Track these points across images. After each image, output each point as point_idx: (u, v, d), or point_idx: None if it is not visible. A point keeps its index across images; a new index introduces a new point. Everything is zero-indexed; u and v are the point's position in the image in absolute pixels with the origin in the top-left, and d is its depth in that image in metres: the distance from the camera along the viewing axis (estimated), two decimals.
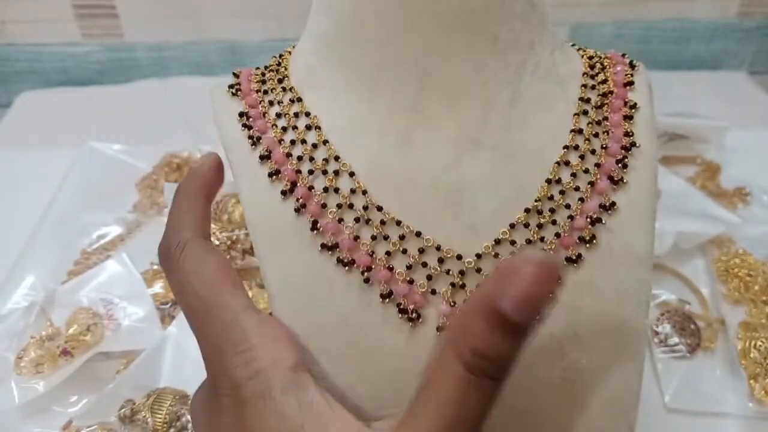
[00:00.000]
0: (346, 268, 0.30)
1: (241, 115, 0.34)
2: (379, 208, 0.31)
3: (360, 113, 0.32)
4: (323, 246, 0.30)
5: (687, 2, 0.93)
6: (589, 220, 0.31)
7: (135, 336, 0.52)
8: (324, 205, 0.31)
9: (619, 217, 0.31)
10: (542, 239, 0.30)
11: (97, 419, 0.46)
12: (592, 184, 0.31)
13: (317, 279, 0.30)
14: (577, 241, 0.30)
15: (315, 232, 0.31)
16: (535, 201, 0.31)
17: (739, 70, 0.96)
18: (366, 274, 0.30)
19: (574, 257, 0.30)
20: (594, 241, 0.30)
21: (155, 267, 0.59)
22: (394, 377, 0.29)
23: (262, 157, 0.32)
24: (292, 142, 0.33)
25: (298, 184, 0.32)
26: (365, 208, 0.31)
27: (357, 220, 0.31)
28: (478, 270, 0.30)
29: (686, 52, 0.95)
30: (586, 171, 0.32)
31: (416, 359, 0.28)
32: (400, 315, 0.30)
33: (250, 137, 0.33)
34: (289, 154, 0.32)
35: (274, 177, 0.32)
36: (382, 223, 0.31)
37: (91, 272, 0.58)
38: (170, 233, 0.30)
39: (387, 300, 0.30)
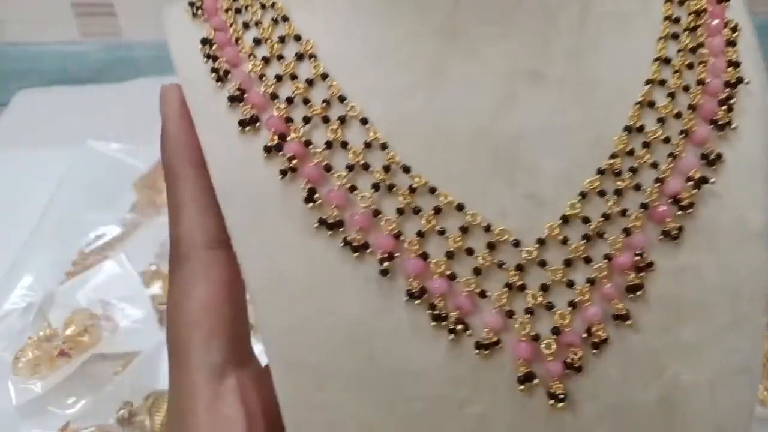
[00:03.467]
0: (357, 254, 0.21)
1: (204, 42, 0.24)
2: (406, 169, 0.22)
3: (372, 37, 0.23)
4: (322, 223, 0.21)
5: None
6: (689, 182, 0.22)
7: (133, 337, 0.52)
8: (328, 167, 0.22)
9: (726, 178, 0.23)
10: (624, 213, 0.22)
11: (95, 421, 0.45)
12: (686, 133, 0.23)
13: (317, 272, 0.22)
14: (673, 211, 0.22)
15: (311, 204, 0.22)
16: (610, 158, 0.22)
17: None
18: (386, 263, 0.21)
19: (673, 233, 0.22)
20: (692, 212, 0.22)
21: (153, 268, 0.59)
22: (428, 410, 0.21)
23: (232, 99, 0.23)
24: (278, 78, 0.23)
25: (289, 138, 0.22)
26: (386, 169, 0.22)
27: (375, 187, 0.22)
28: (542, 264, 0.21)
29: None
30: (678, 115, 0.23)
31: (458, 384, 0.20)
32: (435, 324, 0.21)
33: (215, 71, 0.24)
34: (274, 96, 0.23)
35: (249, 127, 0.22)
36: (411, 190, 0.22)
37: (89, 273, 0.57)
38: (174, 238, 0.24)
39: (417, 302, 0.21)
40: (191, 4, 0.26)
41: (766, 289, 0.23)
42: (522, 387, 0.21)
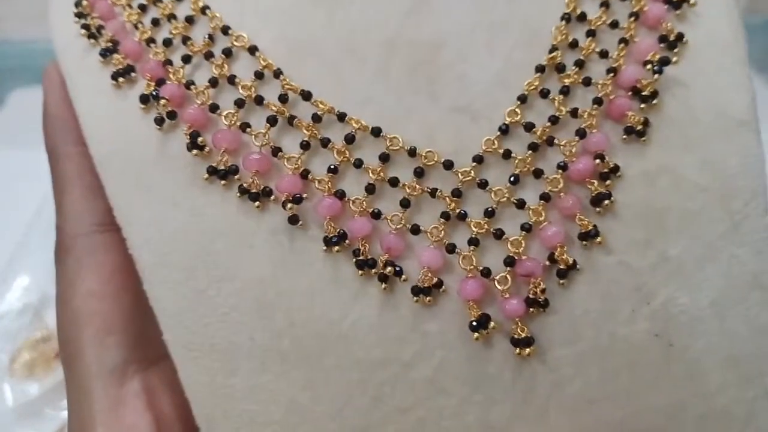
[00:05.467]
0: (258, 203, 0.18)
1: (77, 4, 0.21)
2: (306, 95, 0.18)
3: None
4: (212, 173, 0.18)
5: None
6: (647, 67, 0.18)
7: None
8: (213, 107, 0.18)
9: (692, 62, 0.19)
10: (575, 113, 0.18)
11: None
12: (636, 15, 0.19)
13: (213, 231, 0.18)
14: (635, 105, 0.18)
15: (196, 151, 0.18)
16: (550, 52, 0.18)
17: None
18: (293, 208, 0.17)
19: (638, 128, 0.18)
20: (656, 102, 0.18)
21: None
22: (367, 379, 0.17)
23: (104, 52, 0.20)
24: (155, 23, 0.20)
25: (168, 81, 0.19)
26: (283, 99, 0.18)
27: (272, 121, 0.18)
28: (483, 184, 0.17)
29: None
30: None
31: (399, 343, 0.16)
32: (361, 272, 0.17)
33: (86, 27, 0.20)
34: (151, 41, 0.19)
35: (123, 78, 0.19)
36: (315, 119, 0.18)
37: None
38: (58, 227, 0.21)
39: (337, 249, 0.17)
40: None
41: (762, 182, 0.19)
42: (476, 335, 0.17)
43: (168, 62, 0.19)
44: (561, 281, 0.17)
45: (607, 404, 0.17)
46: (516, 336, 0.17)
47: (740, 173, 0.18)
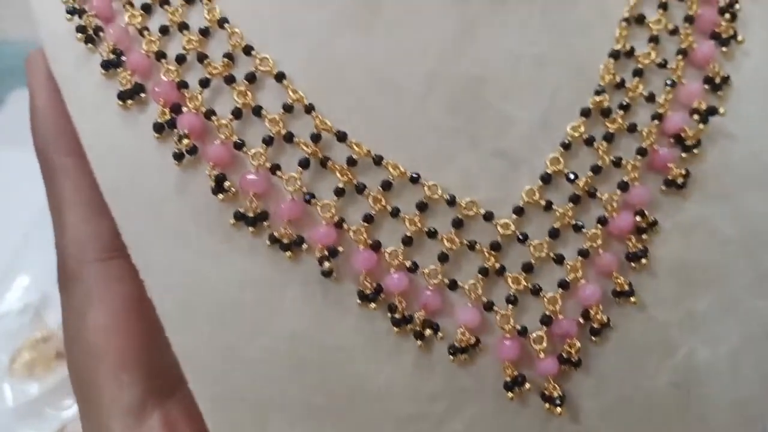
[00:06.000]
0: (290, 254, 0.17)
1: None
2: (341, 137, 0.17)
3: None
4: (240, 218, 0.17)
5: None
6: (694, 116, 0.18)
7: None
8: (238, 144, 0.17)
9: (734, 107, 0.18)
10: (618, 162, 0.17)
11: None
12: (684, 52, 0.18)
13: (241, 282, 0.17)
14: (676, 153, 0.18)
15: (221, 195, 0.17)
16: (596, 94, 0.18)
17: None
18: (327, 261, 0.16)
19: (679, 181, 0.18)
20: (698, 152, 0.18)
21: None
22: (395, 429, 0.17)
23: (106, 65, 0.17)
24: (164, 31, 0.18)
25: (185, 109, 0.17)
26: (315, 138, 0.17)
27: (305, 164, 0.17)
28: (522, 238, 0.17)
29: None
30: (674, 31, 0.18)
31: (433, 400, 0.16)
32: (397, 329, 0.17)
33: (82, 30, 0.18)
34: (161, 54, 0.17)
35: (131, 100, 0.17)
36: (351, 163, 0.17)
37: None
38: (60, 251, 0.19)
39: (372, 305, 0.17)
40: None
41: None
42: (511, 394, 0.17)
43: (183, 84, 0.17)
44: (594, 338, 0.17)
45: None
46: (548, 394, 0.17)
47: None
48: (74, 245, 0.19)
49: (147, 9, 0.18)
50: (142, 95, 0.17)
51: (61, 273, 0.19)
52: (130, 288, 0.18)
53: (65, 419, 0.46)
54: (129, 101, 0.17)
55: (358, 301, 0.17)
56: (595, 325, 0.17)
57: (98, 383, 0.18)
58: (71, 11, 0.18)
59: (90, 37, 0.18)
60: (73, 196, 0.19)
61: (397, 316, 0.17)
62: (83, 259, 0.18)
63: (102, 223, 0.18)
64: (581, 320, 0.17)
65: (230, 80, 0.17)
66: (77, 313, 0.18)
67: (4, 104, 0.83)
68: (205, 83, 0.17)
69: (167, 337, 0.17)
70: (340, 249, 0.17)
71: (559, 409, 0.17)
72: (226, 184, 0.17)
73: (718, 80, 0.18)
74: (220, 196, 0.17)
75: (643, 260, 0.17)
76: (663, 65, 0.18)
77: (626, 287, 0.17)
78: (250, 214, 0.17)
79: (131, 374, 0.18)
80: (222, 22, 0.18)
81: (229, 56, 0.17)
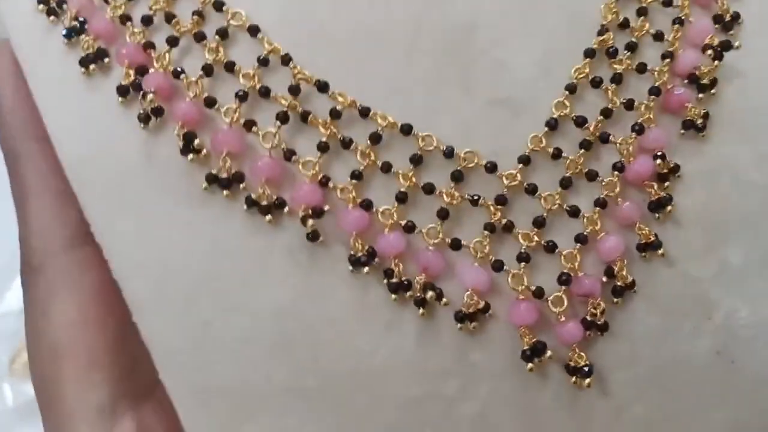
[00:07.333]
0: (270, 217, 0.15)
1: None
2: (323, 86, 0.15)
3: None
4: (212, 181, 0.15)
5: None
6: (707, 52, 0.16)
7: None
8: (210, 101, 0.15)
9: (748, 44, 0.17)
10: (630, 105, 0.16)
11: None
12: None
13: (216, 253, 0.15)
14: (692, 94, 0.16)
15: (191, 156, 0.15)
16: (599, 34, 0.16)
17: None
18: (312, 223, 0.15)
19: (698, 122, 0.16)
20: (715, 91, 0.16)
21: None
22: (406, 419, 0.15)
23: (69, 33, 0.16)
24: None
25: (152, 70, 0.16)
26: (294, 90, 0.15)
27: (283, 117, 0.15)
28: (531, 190, 0.15)
29: None
30: None
31: (441, 377, 0.14)
32: (395, 296, 0.15)
33: (43, 2, 0.17)
34: (126, 17, 0.16)
35: (94, 65, 0.16)
36: (334, 115, 0.15)
37: None
38: (23, 241, 0.17)
39: (366, 269, 0.15)
40: None
41: None
42: (530, 365, 0.15)
43: (149, 45, 0.16)
44: (615, 300, 0.15)
45: (667, 426, 0.16)
46: (573, 364, 0.15)
47: None
48: (38, 236, 0.17)
49: None
50: (106, 60, 0.16)
51: (24, 266, 0.17)
52: (99, 278, 0.17)
53: None
54: (92, 66, 0.16)
55: (350, 267, 0.15)
56: (620, 283, 0.15)
57: (63, 384, 0.16)
58: None
59: (52, 9, 0.17)
60: (38, 182, 0.17)
61: (394, 281, 0.15)
62: (47, 250, 0.17)
63: (68, 210, 0.17)
64: (604, 278, 0.15)
65: (201, 37, 0.16)
66: (40, 308, 0.17)
67: None
68: (172, 42, 0.16)
69: (135, 323, 0.15)
70: (326, 208, 0.15)
71: (587, 380, 0.15)
72: (196, 142, 0.15)
73: (727, 18, 0.17)
74: (190, 156, 0.15)
75: (668, 208, 0.15)
76: (668, 3, 0.17)
77: (653, 238, 0.15)
78: (224, 175, 0.15)
79: (101, 375, 0.16)
80: None
81: (198, 13, 0.16)
